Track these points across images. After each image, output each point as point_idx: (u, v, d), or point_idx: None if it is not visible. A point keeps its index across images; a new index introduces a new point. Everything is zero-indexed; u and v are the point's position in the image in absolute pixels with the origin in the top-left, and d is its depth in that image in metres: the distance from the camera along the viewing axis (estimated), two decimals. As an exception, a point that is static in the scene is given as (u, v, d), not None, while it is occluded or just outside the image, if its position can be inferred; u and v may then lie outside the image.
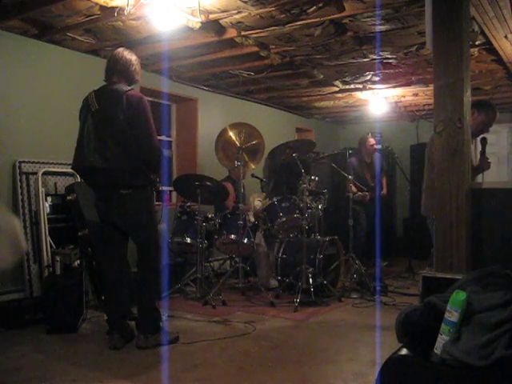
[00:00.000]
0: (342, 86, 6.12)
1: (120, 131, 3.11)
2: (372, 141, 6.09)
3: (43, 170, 4.32)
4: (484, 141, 3.64)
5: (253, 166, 5.01)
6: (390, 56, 4.85)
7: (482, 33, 4.02)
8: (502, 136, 7.66)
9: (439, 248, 2.93)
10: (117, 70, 3.26)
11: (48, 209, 4.31)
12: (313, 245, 4.74)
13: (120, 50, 3.33)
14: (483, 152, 3.65)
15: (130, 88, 3.22)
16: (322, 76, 5.60)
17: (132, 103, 3.13)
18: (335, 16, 3.73)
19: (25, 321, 3.69)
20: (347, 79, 5.82)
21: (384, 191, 6.26)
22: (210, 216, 4.90)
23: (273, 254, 5.04)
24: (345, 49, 4.60)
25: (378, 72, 5.41)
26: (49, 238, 4.22)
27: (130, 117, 3.11)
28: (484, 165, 3.65)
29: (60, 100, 4.53)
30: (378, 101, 6.77)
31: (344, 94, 6.63)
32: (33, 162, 4.30)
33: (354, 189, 5.64)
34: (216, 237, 4.83)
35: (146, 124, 3.16)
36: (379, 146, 6.53)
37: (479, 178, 3.69)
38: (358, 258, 5.01)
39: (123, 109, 3.10)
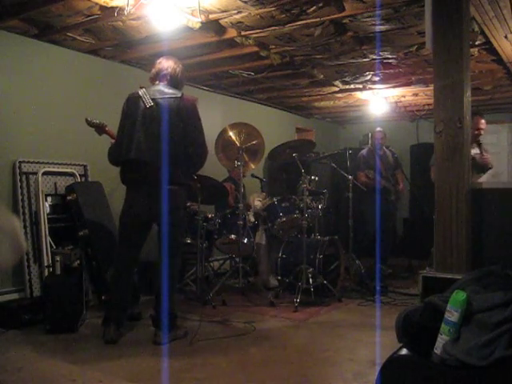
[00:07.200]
0: (342, 86, 6.11)
1: (172, 131, 3.27)
2: (379, 134, 6.03)
3: (43, 169, 4.32)
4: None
5: (253, 166, 5.00)
6: (389, 56, 4.85)
7: (482, 33, 4.03)
8: (502, 136, 7.66)
9: (439, 248, 2.93)
10: (165, 74, 3.42)
11: (48, 209, 4.31)
12: (313, 245, 4.73)
13: (167, 56, 3.52)
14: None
15: (182, 92, 3.40)
16: (322, 76, 5.60)
17: (187, 106, 3.37)
18: (335, 16, 3.73)
19: (25, 321, 3.68)
20: (347, 79, 5.82)
21: (401, 186, 6.04)
22: (210, 216, 4.89)
23: (273, 253, 5.04)
24: (345, 49, 4.60)
25: (377, 72, 5.40)
26: (49, 238, 4.22)
27: (184, 119, 3.31)
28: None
29: (60, 100, 4.52)
30: (378, 101, 6.77)
31: (344, 94, 6.62)
32: (33, 162, 4.30)
33: (363, 179, 5.60)
34: (216, 237, 4.83)
35: (198, 128, 3.39)
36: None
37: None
38: (358, 258, 5.00)
39: (178, 110, 3.30)
